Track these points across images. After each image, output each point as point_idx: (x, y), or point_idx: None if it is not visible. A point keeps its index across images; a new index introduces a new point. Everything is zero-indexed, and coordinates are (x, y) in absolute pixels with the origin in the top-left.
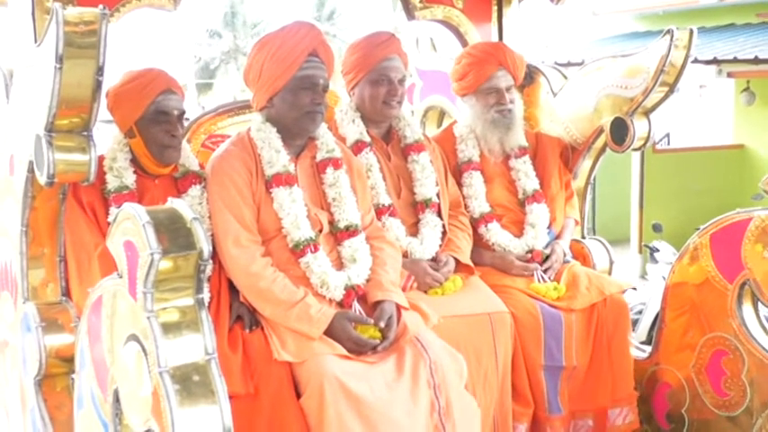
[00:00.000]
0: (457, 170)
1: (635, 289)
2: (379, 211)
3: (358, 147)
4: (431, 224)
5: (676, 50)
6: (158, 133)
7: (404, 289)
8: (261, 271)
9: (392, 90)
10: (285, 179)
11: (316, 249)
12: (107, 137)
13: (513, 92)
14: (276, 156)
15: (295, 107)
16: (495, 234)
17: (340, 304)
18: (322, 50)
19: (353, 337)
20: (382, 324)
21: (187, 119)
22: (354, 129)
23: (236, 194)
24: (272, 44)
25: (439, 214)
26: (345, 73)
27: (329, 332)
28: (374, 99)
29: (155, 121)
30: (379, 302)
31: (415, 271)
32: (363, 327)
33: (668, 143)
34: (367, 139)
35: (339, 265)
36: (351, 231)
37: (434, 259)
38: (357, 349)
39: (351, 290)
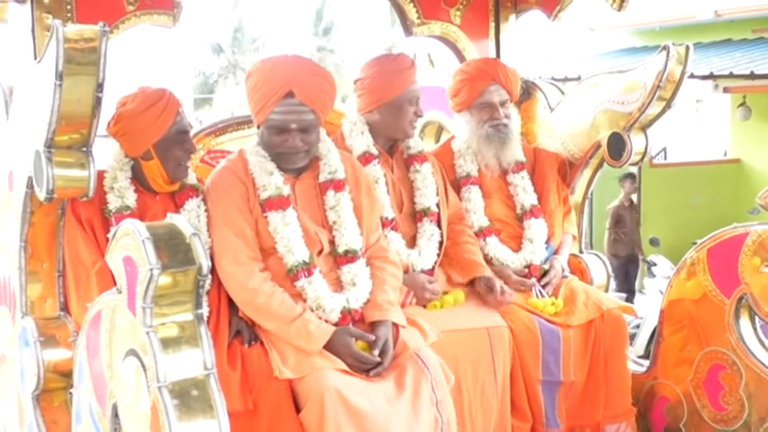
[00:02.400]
0: (455, 185)
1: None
2: (382, 224)
3: (366, 158)
4: (428, 233)
5: (673, 66)
6: (179, 152)
7: (403, 305)
8: (258, 286)
9: (418, 111)
10: (278, 203)
11: (310, 274)
12: (105, 152)
13: (509, 107)
14: (269, 179)
15: (271, 145)
16: (494, 248)
17: (336, 326)
18: (300, 91)
19: (355, 353)
20: (376, 352)
21: None
22: (362, 140)
23: (235, 210)
24: (254, 77)
25: (438, 224)
26: (365, 93)
27: (330, 347)
28: (402, 119)
29: (176, 141)
30: (375, 324)
31: (413, 286)
32: (364, 343)
33: (665, 158)
34: (374, 151)
35: (338, 285)
36: (349, 257)
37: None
38: (358, 365)
39: (347, 313)
